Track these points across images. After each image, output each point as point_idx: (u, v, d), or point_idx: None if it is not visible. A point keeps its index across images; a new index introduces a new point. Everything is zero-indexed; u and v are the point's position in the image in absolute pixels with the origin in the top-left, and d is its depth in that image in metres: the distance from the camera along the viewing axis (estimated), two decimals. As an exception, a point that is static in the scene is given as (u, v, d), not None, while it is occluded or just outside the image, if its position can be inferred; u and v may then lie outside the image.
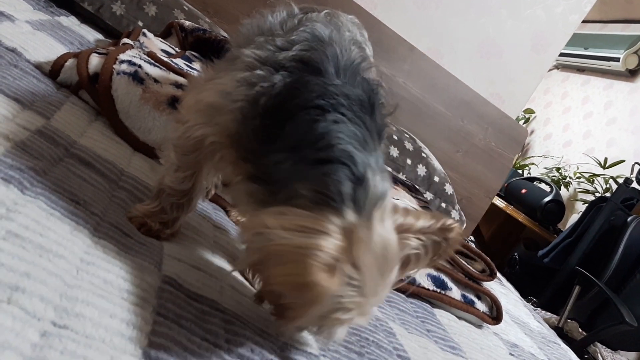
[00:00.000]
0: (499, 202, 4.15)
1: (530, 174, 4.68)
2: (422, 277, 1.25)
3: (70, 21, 1.64)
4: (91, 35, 1.65)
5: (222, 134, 0.70)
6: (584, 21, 2.66)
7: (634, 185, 3.23)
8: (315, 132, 0.60)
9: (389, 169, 2.02)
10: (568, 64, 4.95)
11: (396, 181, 1.84)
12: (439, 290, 1.25)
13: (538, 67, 2.65)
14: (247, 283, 0.85)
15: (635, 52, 4.21)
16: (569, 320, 2.93)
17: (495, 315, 1.32)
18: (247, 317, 0.72)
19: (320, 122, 0.61)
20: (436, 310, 1.24)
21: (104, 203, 0.76)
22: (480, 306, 1.31)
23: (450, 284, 1.28)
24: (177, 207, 0.79)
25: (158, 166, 0.84)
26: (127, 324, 0.55)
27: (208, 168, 0.80)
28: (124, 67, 1.11)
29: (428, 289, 1.24)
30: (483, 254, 1.40)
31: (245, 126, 0.67)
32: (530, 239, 4.03)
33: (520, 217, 4.01)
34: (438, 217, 0.68)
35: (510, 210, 4.11)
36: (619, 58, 4.22)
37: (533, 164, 4.80)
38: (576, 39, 3.20)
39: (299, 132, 0.62)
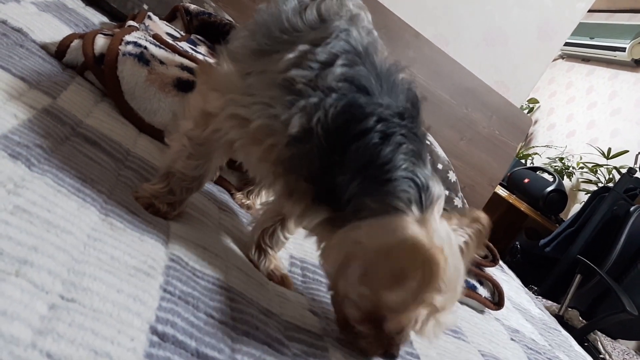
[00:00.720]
0: (502, 192, 4.15)
1: (533, 164, 4.68)
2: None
3: (75, 3, 1.63)
4: (96, 18, 1.65)
5: (270, 155, 0.71)
6: (590, 10, 2.64)
7: (637, 175, 3.23)
8: (381, 155, 0.66)
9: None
10: (573, 54, 4.92)
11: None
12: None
13: (543, 56, 2.64)
14: (250, 263, 0.85)
15: (641, 42, 4.19)
16: (569, 309, 2.94)
17: (497, 300, 1.33)
18: (252, 296, 0.72)
19: (384, 146, 0.67)
20: (438, 295, 1.25)
21: (111, 182, 0.76)
22: (483, 291, 1.31)
23: (452, 269, 1.28)
24: (187, 190, 0.80)
25: (165, 147, 0.84)
26: (134, 299, 0.56)
27: (219, 156, 0.80)
28: (130, 48, 1.11)
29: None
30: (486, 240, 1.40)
31: (298, 150, 0.69)
32: (532, 228, 4.03)
33: (523, 206, 4.01)
34: (463, 213, 0.75)
35: (512, 199, 4.11)
36: (625, 48, 4.19)
37: (536, 153, 4.79)
38: (582, 29, 3.19)
39: (365, 156, 0.67)
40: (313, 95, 0.68)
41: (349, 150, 0.66)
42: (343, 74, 0.69)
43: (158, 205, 0.77)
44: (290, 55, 0.70)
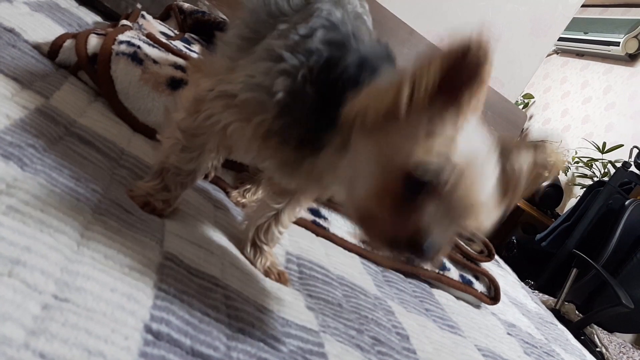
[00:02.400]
0: (498, 187, 4.15)
1: (528, 159, 4.68)
2: (421, 257, 1.26)
3: (68, 3, 1.62)
4: (89, 17, 1.64)
5: (260, 130, 0.71)
6: (583, 5, 2.65)
7: (632, 169, 3.24)
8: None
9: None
10: (567, 49, 4.93)
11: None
12: (437, 270, 1.26)
13: (538, 51, 2.64)
14: (246, 260, 0.85)
15: (636, 37, 4.19)
16: (566, 303, 2.95)
17: (493, 295, 1.33)
18: (248, 293, 0.72)
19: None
20: (435, 290, 1.25)
21: (105, 181, 0.76)
22: (479, 286, 1.32)
23: (448, 264, 1.29)
24: (182, 185, 0.80)
25: (159, 145, 0.84)
26: (128, 298, 0.56)
27: (213, 146, 0.80)
28: (123, 47, 1.11)
29: (426, 270, 1.25)
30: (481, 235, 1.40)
31: (288, 119, 0.69)
32: (528, 223, 4.04)
33: (519, 201, 4.01)
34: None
35: (508, 194, 4.11)
36: (619, 42, 4.20)
37: (532, 148, 4.79)
38: (576, 23, 3.20)
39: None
40: (293, 58, 0.69)
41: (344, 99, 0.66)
42: (323, 38, 0.70)
43: (153, 203, 0.77)
44: (274, 34, 0.73)
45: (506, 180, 0.66)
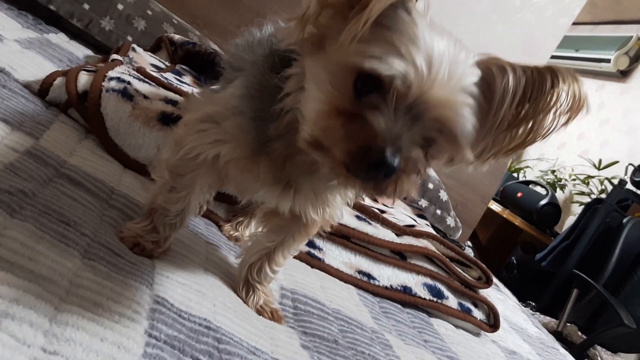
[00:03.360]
0: (495, 206, 4.16)
1: (525, 177, 4.69)
2: (418, 286, 1.24)
3: (59, 38, 1.63)
4: (80, 51, 1.65)
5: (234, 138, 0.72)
6: (574, 23, 2.67)
7: (628, 186, 3.24)
8: None
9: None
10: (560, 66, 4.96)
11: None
12: (435, 299, 1.25)
13: (529, 71, 2.65)
14: (239, 299, 0.84)
15: (626, 53, 4.23)
16: (568, 324, 2.93)
17: (492, 322, 1.32)
18: (240, 334, 0.71)
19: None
20: (433, 320, 1.24)
21: (95, 223, 0.75)
22: (478, 314, 1.30)
23: (446, 292, 1.27)
24: (170, 226, 0.79)
25: (149, 183, 0.84)
26: (119, 347, 0.55)
27: (202, 185, 0.80)
28: (113, 84, 1.11)
29: (424, 299, 1.24)
30: (479, 262, 1.39)
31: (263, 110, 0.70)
32: (527, 242, 4.03)
33: (517, 220, 4.01)
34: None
35: (506, 214, 4.11)
36: (610, 59, 4.24)
37: (528, 166, 4.80)
38: (567, 41, 3.21)
39: None
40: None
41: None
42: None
43: (143, 244, 0.76)
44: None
45: (488, 97, 0.62)
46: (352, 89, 0.57)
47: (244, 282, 0.85)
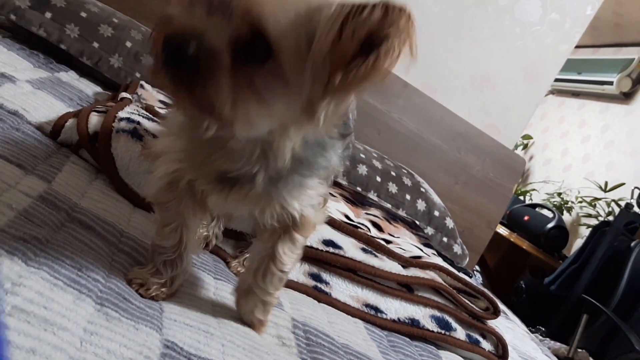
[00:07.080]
0: (502, 230, 4.15)
1: (532, 200, 4.69)
2: (426, 319, 1.25)
3: (69, 76, 1.67)
4: (90, 89, 1.69)
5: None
6: (575, 46, 2.70)
7: (635, 209, 3.23)
8: None
9: (389, 205, 2.03)
10: (563, 89, 5.00)
11: (396, 218, 1.84)
12: (443, 331, 1.25)
13: (532, 97, 2.68)
14: (248, 333, 0.85)
15: (628, 75, 4.26)
16: (579, 350, 2.90)
17: (501, 353, 1.31)
18: (250, 376, 0.72)
19: None
20: (442, 352, 1.24)
21: (106, 267, 0.77)
22: (486, 345, 1.30)
23: (454, 324, 1.28)
24: (170, 265, 0.81)
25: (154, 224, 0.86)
26: (131, 394, 0.56)
27: (188, 216, 0.81)
28: (123, 124, 1.14)
29: (432, 331, 1.24)
30: (486, 292, 1.40)
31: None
32: (536, 266, 4.01)
33: (525, 244, 4.00)
34: None
35: (514, 238, 4.10)
36: (613, 81, 4.27)
37: (534, 189, 4.80)
38: (569, 64, 3.25)
39: None
40: None
41: None
42: None
43: (149, 287, 0.78)
44: None
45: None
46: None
47: (244, 290, 0.85)
